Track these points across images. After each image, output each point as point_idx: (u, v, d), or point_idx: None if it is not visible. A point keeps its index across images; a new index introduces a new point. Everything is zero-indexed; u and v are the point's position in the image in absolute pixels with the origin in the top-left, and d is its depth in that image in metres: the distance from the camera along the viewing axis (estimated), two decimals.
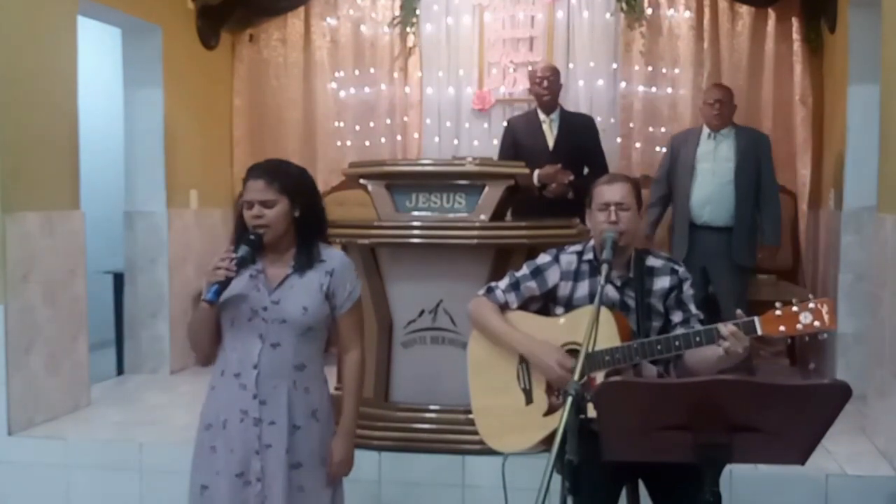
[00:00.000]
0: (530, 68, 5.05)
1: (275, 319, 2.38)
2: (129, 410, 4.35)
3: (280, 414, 2.38)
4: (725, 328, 2.33)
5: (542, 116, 4.80)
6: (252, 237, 2.38)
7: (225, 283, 2.33)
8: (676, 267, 2.70)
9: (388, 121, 5.98)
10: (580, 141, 4.75)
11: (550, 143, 4.73)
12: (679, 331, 2.57)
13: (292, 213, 2.41)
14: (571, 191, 4.46)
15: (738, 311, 2.36)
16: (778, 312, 2.30)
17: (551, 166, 4.43)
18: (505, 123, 5.05)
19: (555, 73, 4.83)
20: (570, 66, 5.74)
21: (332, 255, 2.48)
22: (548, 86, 4.75)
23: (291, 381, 2.40)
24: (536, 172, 4.51)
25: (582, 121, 4.92)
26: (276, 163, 2.48)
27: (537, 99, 4.83)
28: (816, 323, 2.27)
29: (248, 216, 2.39)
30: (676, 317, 2.65)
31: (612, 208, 2.60)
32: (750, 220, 4.63)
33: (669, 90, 5.68)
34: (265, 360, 2.38)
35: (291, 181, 2.41)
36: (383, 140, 5.97)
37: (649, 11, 5.63)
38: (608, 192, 2.64)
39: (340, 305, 2.47)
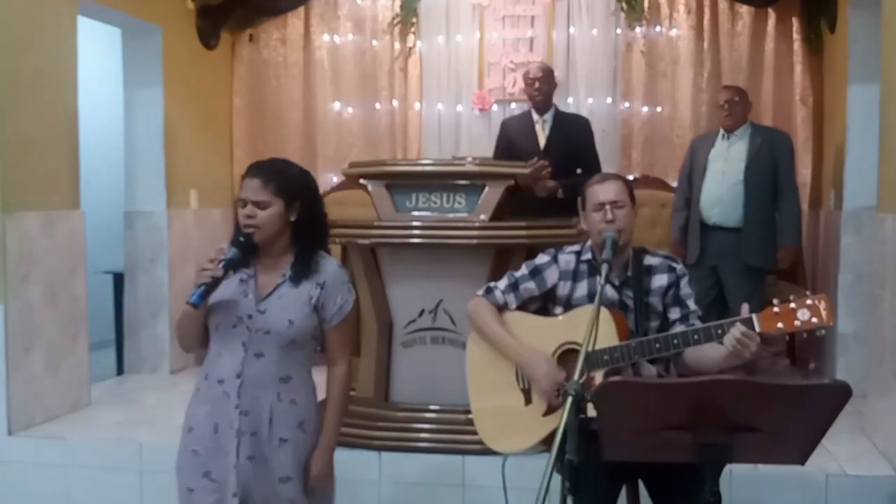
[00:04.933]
0: (523, 69, 5.02)
1: (259, 329, 2.30)
2: (129, 410, 4.35)
3: (262, 426, 2.31)
4: (737, 331, 2.31)
5: (535, 116, 4.79)
6: (241, 238, 2.30)
7: (211, 286, 2.25)
8: (674, 264, 2.69)
9: (389, 121, 5.98)
10: (572, 141, 4.74)
11: (542, 142, 4.71)
12: (678, 328, 2.57)
13: (287, 216, 2.32)
14: (561, 190, 4.45)
15: (745, 306, 2.35)
16: (776, 310, 2.31)
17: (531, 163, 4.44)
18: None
19: (547, 73, 4.82)
20: (570, 65, 5.74)
21: (326, 267, 2.38)
22: (539, 87, 4.74)
23: (275, 394, 2.32)
24: None
25: (575, 121, 4.90)
26: (276, 163, 2.40)
27: (530, 100, 4.83)
28: (814, 319, 2.27)
29: (241, 215, 2.31)
30: (674, 314, 2.64)
31: (608, 207, 2.60)
32: (763, 221, 4.56)
33: (669, 90, 5.67)
34: (249, 370, 2.31)
35: (289, 183, 2.32)
36: (383, 140, 5.97)
37: (649, 11, 5.62)
38: (602, 191, 2.64)
39: (329, 319, 2.38)
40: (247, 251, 2.32)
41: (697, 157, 4.70)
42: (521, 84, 5.66)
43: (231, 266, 2.28)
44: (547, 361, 2.58)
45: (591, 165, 4.75)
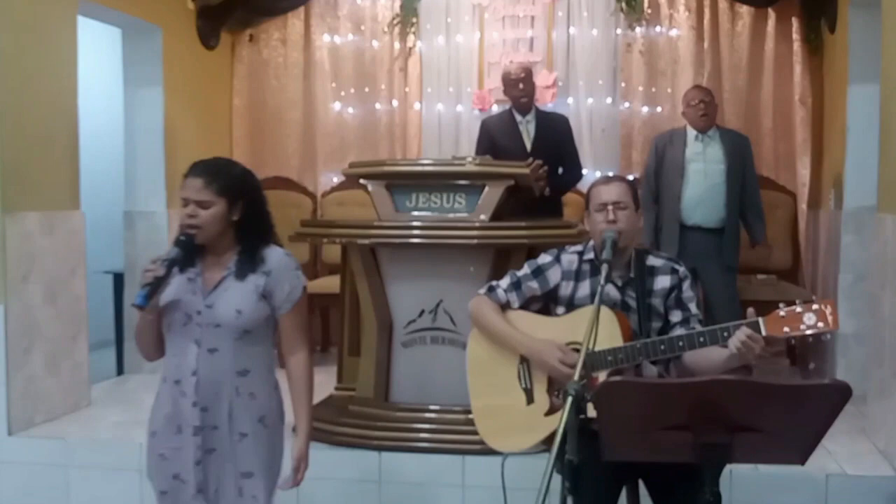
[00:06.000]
0: (503, 70, 4.96)
1: (209, 323, 2.31)
2: (129, 410, 4.34)
3: (222, 420, 2.32)
4: (742, 334, 2.31)
5: (518, 117, 4.75)
6: (182, 238, 2.29)
7: (155, 286, 2.24)
8: (677, 266, 2.69)
9: (389, 120, 5.98)
10: (556, 141, 4.73)
11: (528, 144, 4.69)
12: (678, 331, 2.57)
13: (230, 216, 2.31)
14: (548, 188, 4.44)
15: (750, 310, 2.35)
16: (782, 313, 2.30)
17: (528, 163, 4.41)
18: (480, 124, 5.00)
19: (529, 73, 4.79)
20: (570, 65, 5.73)
21: (271, 256, 2.37)
22: (523, 87, 4.71)
23: (233, 388, 2.32)
24: None
25: (557, 121, 4.88)
26: (219, 162, 2.40)
27: (513, 101, 4.78)
28: (820, 324, 2.27)
29: (182, 214, 2.31)
30: (675, 316, 2.64)
31: (610, 208, 2.60)
32: (736, 221, 4.66)
33: (669, 90, 5.67)
34: (203, 365, 2.31)
35: (231, 183, 2.32)
36: (383, 140, 5.97)
37: (649, 11, 5.63)
38: (605, 191, 2.64)
39: (279, 306, 2.37)
40: (191, 250, 2.32)
41: (669, 156, 4.69)
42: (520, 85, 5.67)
43: (174, 265, 2.28)
44: (559, 348, 2.56)
45: (574, 164, 4.80)
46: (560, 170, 4.74)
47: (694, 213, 4.61)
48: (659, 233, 4.72)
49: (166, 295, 2.32)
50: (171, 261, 2.28)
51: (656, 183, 4.74)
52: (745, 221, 4.72)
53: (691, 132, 4.69)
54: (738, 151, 4.65)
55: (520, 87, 4.71)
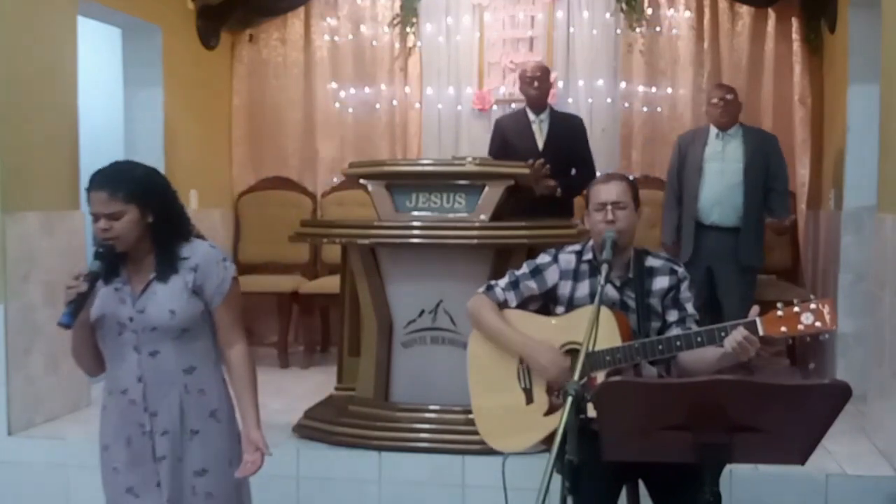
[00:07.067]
0: (520, 68, 4.96)
1: (144, 328, 2.28)
2: None
3: (173, 422, 2.30)
4: (739, 335, 2.31)
5: (531, 116, 4.75)
6: (100, 250, 2.25)
7: (79, 303, 2.19)
8: (675, 267, 2.70)
9: (389, 120, 5.98)
10: (569, 141, 4.73)
11: (540, 143, 4.68)
12: (675, 330, 2.58)
13: (144, 219, 2.26)
14: (559, 189, 4.45)
15: (755, 308, 2.34)
16: (779, 313, 2.30)
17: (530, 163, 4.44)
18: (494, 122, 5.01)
19: (545, 72, 4.79)
20: (571, 65, 5.74)
21: (195, 250, 2.34)
22: (538, 85, 4.71)
23: (182, 386, 2.31)
24: None
25: (571, 121, 4.87)
26: (121, 168, 2.33)
27: (527, 99, 4.78)
28: (818, 323, 2.27)
29: (96, 229, 2.25)
30: (672, 316, 2.65)
31: (609, 207, 2.60)
32: (757, 221, 4.59)
33: (669, 90, 5.68)
34: (148, 371, 2.29)
35: (138, 187, 2.26)
36: (383, 140, 5.97)
37: (649, 11, 5.63)
38: (604, 191, 2.64)
39: (211, 299, 2.34)
40: (112, 261, 2.29)
41: (690, 155, 4.66)
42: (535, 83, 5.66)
43: (96, 279, 2.24)
44: (551, 350, 2.58)
45: (587, 164, 4.77)
46: (573, 171, 4.73)
47: (711, 213, 4.58)
48: (679, 232, 4.71)
49: (95, 309, 2.30)
50: (93, 275, 2.23)
51: (678, 182, 4.73)
52: (768, 204, 4.61)
53: (713, 130, 4.65)
54: (761, 150, 4.57)
55: (535, 84, 4.71)
